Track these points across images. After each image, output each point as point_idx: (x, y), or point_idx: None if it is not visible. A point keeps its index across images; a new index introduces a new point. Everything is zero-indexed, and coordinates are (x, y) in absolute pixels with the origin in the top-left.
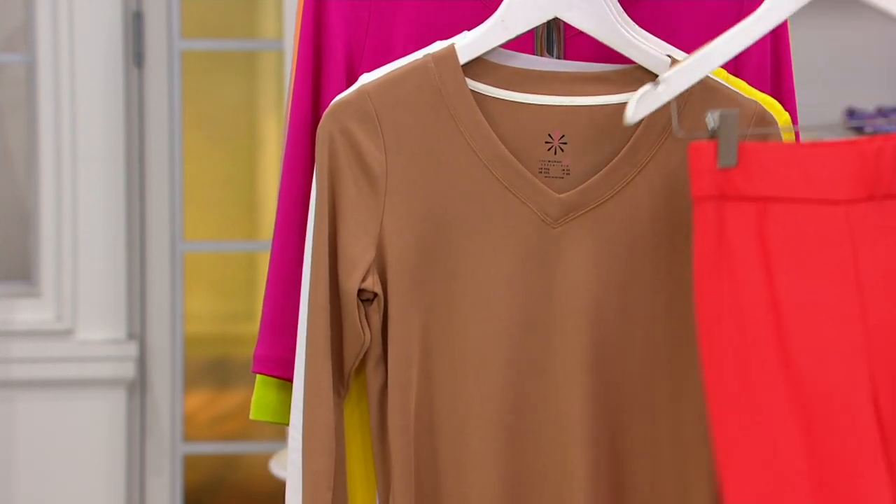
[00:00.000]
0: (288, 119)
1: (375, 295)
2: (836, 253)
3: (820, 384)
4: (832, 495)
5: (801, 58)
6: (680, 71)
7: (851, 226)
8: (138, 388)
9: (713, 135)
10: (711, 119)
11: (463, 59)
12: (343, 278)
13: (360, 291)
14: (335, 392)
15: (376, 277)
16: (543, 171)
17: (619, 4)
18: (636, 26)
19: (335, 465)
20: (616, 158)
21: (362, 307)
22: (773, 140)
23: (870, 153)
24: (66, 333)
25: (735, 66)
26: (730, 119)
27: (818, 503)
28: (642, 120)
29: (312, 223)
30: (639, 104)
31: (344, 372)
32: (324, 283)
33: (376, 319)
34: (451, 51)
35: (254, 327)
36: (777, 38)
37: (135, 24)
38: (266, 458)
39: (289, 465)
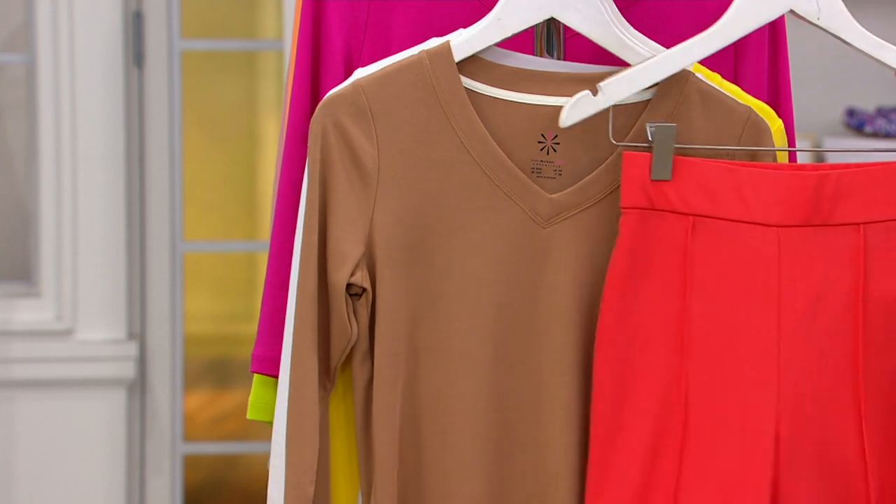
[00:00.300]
0: (286, 118)
1: (364, 290)
2: (761, 277)
3: (719, 408)
4: None
5: (802, 58)
6: (618, 80)
7: (781, 251)
8: (138, 387)
9: (650, 147)
10: (650, 131)
11: (458, 57)
12: (332, 272)
13: (349, 286)
14: (321, 386)
15: (365, 272)
16: (536, 170)
17: (615, 7)
18: (632, 28)
19: (319, 458)
20: (608, 160)
21: (350, 302)
22: (766, 145)
23: (812, 180)
24: (66, 333)
25: (735, 67)
26: (667, 132)
27: None
28: (637, 120)
29: (303, 216)
30: (572, 109)
31: (330, 366)
32: (312, 276)
33: (364, 315)
34: (446, 47)
35: (254, 327)
36: (775, 39)
37: (135, 24)
38: (266, 458)
39: (272, 459)
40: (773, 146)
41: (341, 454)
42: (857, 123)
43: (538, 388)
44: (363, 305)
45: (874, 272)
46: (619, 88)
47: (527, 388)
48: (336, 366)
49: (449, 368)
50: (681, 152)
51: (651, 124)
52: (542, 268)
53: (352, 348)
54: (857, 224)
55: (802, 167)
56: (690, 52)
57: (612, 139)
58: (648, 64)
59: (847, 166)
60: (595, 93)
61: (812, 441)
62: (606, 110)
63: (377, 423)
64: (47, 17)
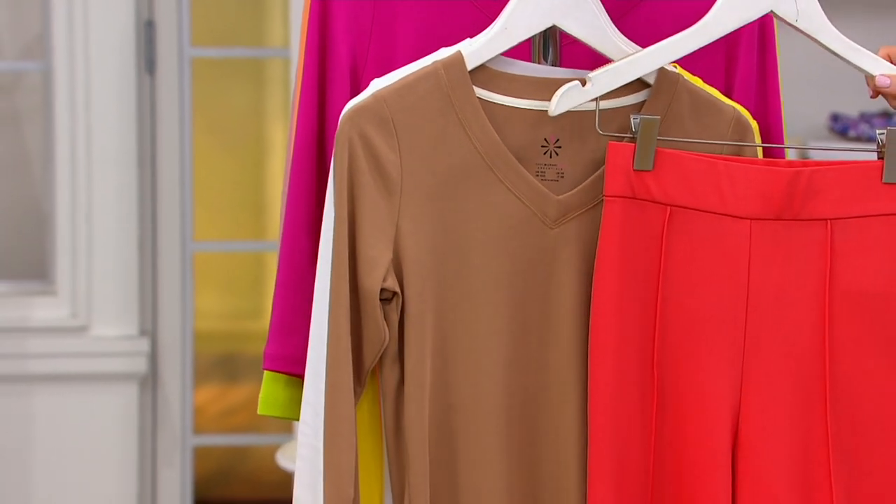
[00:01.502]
0: (294, 123)
1: (394, 294)
2: (732, 267)
3: (684, 395)
4: None
5: (790, 65)
6: (606, 72)
7: (752, 243)
8: (150, 382)
9: (634, 138)
10: (634, 123)
11: (470, 66)
12: (364, 278)
13: (381, 291)
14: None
15: (394, 277)
16: (540, 173)
17: (609, 17)
18: (624, 38)
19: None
20: None
21: (381, 306)
22: (750, 142)
23: (786, 175)
24: (81, 330)
25: (725, 74)
26: (651, 125)
27: None
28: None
29: (332, 225)
30: (562, 98)
31: (362, 371)
32: (344, 283)
33: (394, 318)
34: (458, 57)
35: (261, 324)
36: (764, 48)
37: (146, 33)
38: (273, 450)
39: (298, 461)
40: (756, 141)
41: (368, 458)
42: (841, 128)
43: (550, 383)
44: (393, 310)
45: (841, 267)
46: (606, 79)
47: (540, 383)
48: (368, 370)
49: (472, 367)
50: (670, 145)
51: (635, 116)
52: (551, 267)
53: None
54: (825, 220)
55: (778, 163)
56: (675, 48)
57: (597, 129)
58: (635, 57)
59: (822, 163)
60: (584, 84)
61: (776, 429)
62: (603, 111)
63: (409, 423)
64: (63, 26)
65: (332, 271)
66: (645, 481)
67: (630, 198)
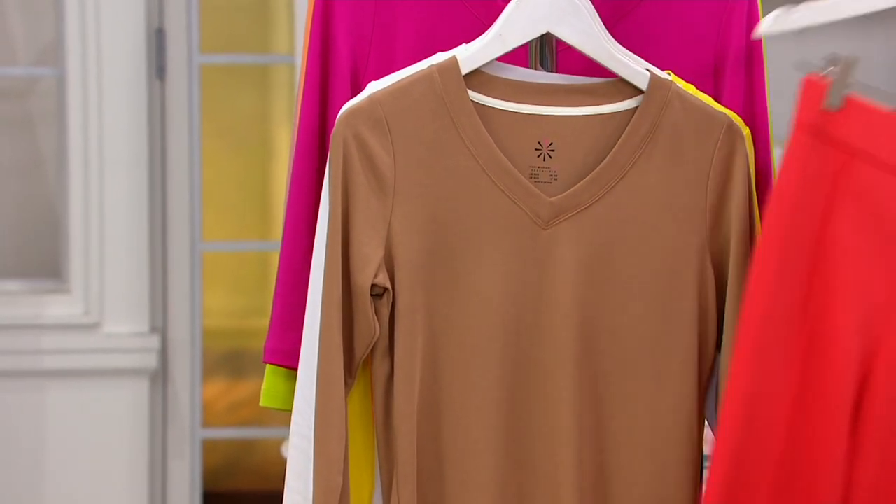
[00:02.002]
0: (297, 127)
1: (385, 290)
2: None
3: (826, 349)
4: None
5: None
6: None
7: None
8: (160, 377)
9: (827, 75)
10: (832, 61)
11: (464, 70)
12: (356, 274)
13: (372, 287)
14: (343, 383)
15: (385, 273)
16: (533, 175)
17: (602, 24)
18: (617, 44)
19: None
20: (601, 165)
21: (372, 302)
22: (741, 149)
23: None
24: (94, 327)
25: (714, 83)
26: (849, 65)
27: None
28: (625, 127)
29: (326, 222)
30: (773, 22)
31: (353, 364)
32: (337, 279)
33: (385, 313)
34: (453, 62)
35: (267, 321)
36: (751, 58)
37: (157, 40)
38: (278, 443)
39: (291, 450)
40: (746, 151)
41: (359, 448)
42: None
43: (543, 378)
44: (384, 305)
45: None
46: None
47: (532, 380)
48: (358, 363)
49: (462, 362)
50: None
51: (835, 55)
52: (544, 266)
53: (373, 346)
54: None
55: None
56: None
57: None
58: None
59: None
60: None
61: None
62: (596, 116)
63: (398, 415)
64: (76, 33)
65: (325, 267)
66: (775, 434)
67: (815, 133)
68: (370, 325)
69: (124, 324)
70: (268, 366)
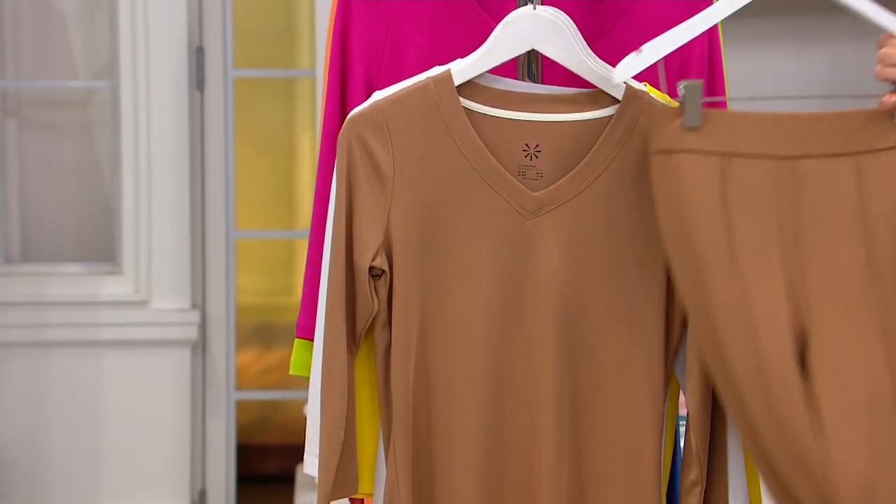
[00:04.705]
0: (320, 133)
1: (383, 271)
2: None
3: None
4: None
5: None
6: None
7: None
8: (200, 347)
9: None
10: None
11: (457, 81)
12: (357, 258)
13: (371, 268)
14: (348, 350)
15: (384, 257)
16: (521, 173)
17: (584, 41)
18: (597, 58)
19: (347, 410)
20: (580, 164)
21: (372, 281)
22: None
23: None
24: (143, 304)
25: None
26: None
27: None
28: (602, 132)
29: (332, 212)
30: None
31: (356, 334)
32: (341, 261)
33: (383, 291)
34: (447, 74)
35: (292, 299)
36: (712, 65)
37: (197, 57)
38: (301, 403)
39: (309, 408)
40: None
41: (365, 406)
42: None
43: (526, 350)
44: (383, 284)
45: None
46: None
47: (516, 351)
48: (360, 333)
49: (452, 335)
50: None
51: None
52: (527, 252)
53: (373, 319)
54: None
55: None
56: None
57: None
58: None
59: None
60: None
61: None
62: (576, 122)
63: (394, 379)
64: (128, 51)
65: (330, 251)
66: None
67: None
68: (369, 301)
69: (169, 301)
70: (296, 340)
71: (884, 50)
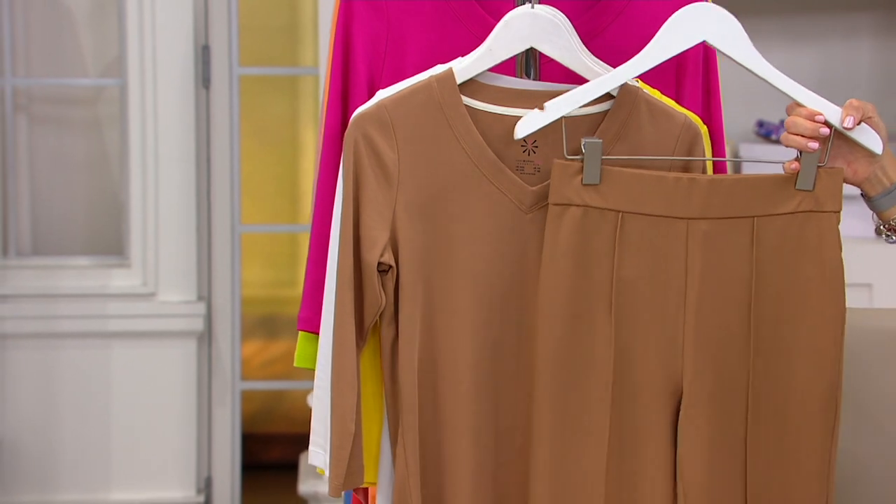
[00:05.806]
0: (322, 129)
1: (390, 267)
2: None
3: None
4: None
5: (725, 80)
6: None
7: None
8: (206, 338)
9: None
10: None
11: (459, 80)
12: (365, 254)
13: (378, 264)
14: (356, 345)
15: (390, 253)
16: (519, 168)
17: (580, 39)
18: (593, 56)
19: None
20: None
21: (379, 277)
22: (699, 144)
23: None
24: (150, 295)
25: (676, 88)
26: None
27: None
28: (598, 128)
29: (339, 210)
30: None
31: (363, 329)
32: (349, 257)
33: (390, 286)
34: (449, 73)
35: (295, 291)
36: (708, 66)
37: (203, 55)
38: (304, 394)
39: (314, 400)
40: (704, 146)
41: (368, 398)
42: (765, 132)
43: (523, 340)
44: (389, 279)
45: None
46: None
47: (514, 340)
48: (368, 328)
49: (456, 326)
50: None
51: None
52: (525, 245)
53: (380, 313)
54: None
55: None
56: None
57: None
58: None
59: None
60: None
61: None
62: (574, 118)
63: (401, 370)
64: (136, 49)
65: (339, 248)
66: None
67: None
68: (377, 296)
69: (176, 293)
70: (300, 332)
71: (790, 118)
